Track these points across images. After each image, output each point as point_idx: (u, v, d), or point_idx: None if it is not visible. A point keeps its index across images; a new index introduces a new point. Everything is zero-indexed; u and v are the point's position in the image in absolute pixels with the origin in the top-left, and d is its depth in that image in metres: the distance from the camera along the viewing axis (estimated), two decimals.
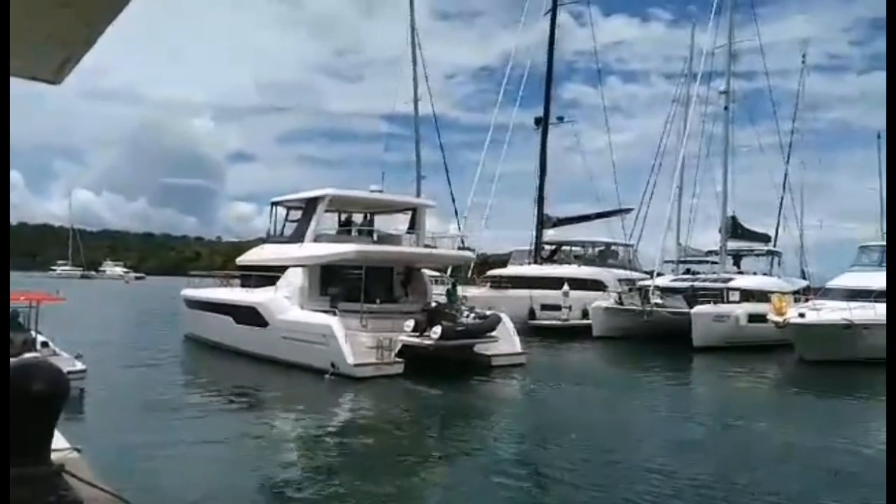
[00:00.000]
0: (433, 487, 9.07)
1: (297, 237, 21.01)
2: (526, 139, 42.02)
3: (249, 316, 19.72)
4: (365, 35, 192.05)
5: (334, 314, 17.68)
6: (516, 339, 20.22)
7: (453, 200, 47.03)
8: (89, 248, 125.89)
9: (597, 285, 33.02)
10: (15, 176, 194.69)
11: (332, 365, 16.39)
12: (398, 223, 23.99)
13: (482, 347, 18.96)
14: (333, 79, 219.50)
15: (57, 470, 1.89)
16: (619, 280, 32.84)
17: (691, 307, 26.41)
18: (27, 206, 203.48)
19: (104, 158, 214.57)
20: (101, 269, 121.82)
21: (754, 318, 25.67)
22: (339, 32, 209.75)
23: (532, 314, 32.29)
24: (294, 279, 19.52)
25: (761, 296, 27.47)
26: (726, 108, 33.52)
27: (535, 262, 38.32)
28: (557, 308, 31.77)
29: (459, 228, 43.02)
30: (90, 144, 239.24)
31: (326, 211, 22.10)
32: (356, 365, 16.23)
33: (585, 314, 30.61)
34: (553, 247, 40.50)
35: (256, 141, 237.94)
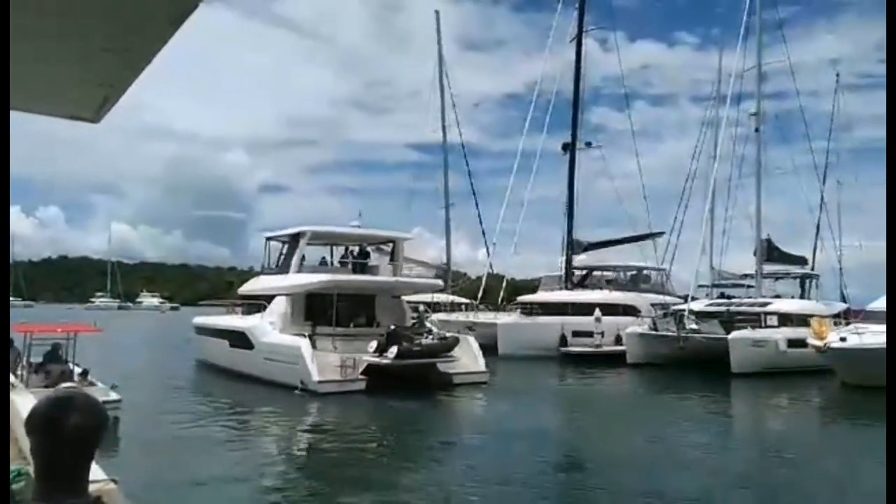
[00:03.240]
0: (363, 484, 9.81)
1: (284, 269, 23.62)
2: (554, 165, 42.11)
3: (240, 340, 21.91)
4: (393, 67, 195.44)
5: (310, 337, 19.40)
6: (481, 359, 21.85)
7: (482, 227, 47.26)
8: (127, 279, 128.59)
9: (630, 311, 32.58)
10: (55, 211, 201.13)
11: (301, 382, 18.20)
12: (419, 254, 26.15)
13: (447, 366, 20.58)
14: (362, 111, 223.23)
15: (93, 502, 1.90)
16: (653, 305, 32.32)
17: (728, 332, 25.81)
18: (67, 241, 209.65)
19: (141, 193, 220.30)
20: (139, 300, 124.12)
21: (794, 342, 24.98)
22: (367, 66, 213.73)
23: (563, 341, 31.91)
24: (278, 306, 21.67)
25: (800, 320, 26.77)
26: (757, 129, 33.13)
27: (566, 288, 38.01)
28: (589, 334, 31.33)
29: (488, 255, 43.22)
30: (127, 180, 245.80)
31: (319, 245, 25.25)
32: (320, 382, 18.03)
33: (619, 340, 30.13)
34: (584, 272, 40.16)
35: (286, 173, 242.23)
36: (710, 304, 31.07)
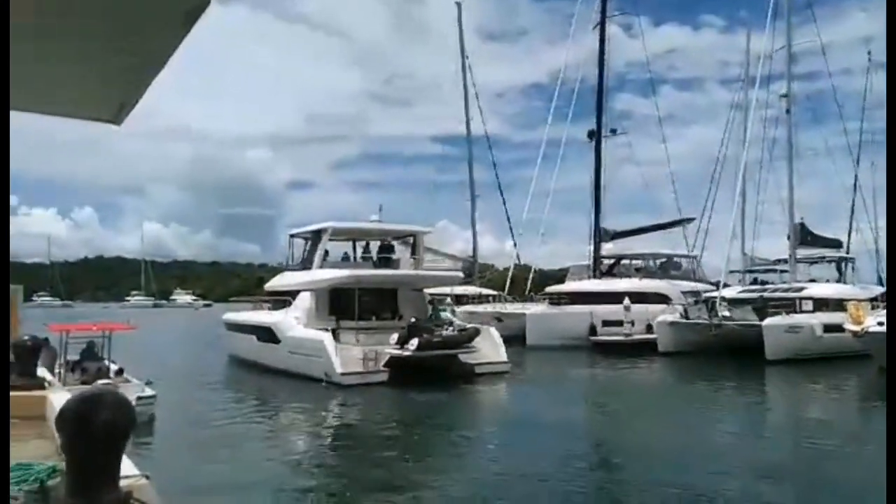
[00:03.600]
0: (387, 476, 10.03)
1: (307, 264, 24.13)
2: (579, 153, 41.73)
3: (267, 334, 22.61)
4: (413, 60, 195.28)
5: (334, 331, 20.08)
6: (502, 349, 22.06)
7: (508, 218, 47.14)
8: (160, 278, 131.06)
9: (660, 299, 32.18)
10: (89, 212, 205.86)
11: (326, 374, 18.74)
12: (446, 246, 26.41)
13: (468, 357, 20.85)
14: (384, 105, 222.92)
15: (125, 497, 1.94)
16: (684, 292, 31.91)
17: (761, 319, 25.37)
18: (102, 241, 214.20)
19: (169, 193, 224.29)
20: (172, 297, 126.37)
21: (830, 328, 24.45)
22: (387, 59, 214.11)
23: (593, 330, 31.69)
24: (302, 302, 22.21)
25: (836, 304, 26.19)
26: (788, 111, 32.40)
27: (594, 277, 37.72)
28: (619, 323, 31.04)
29: (515, 245, 43.09)
30: (155, 180, 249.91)
31: (342, 240, 25.87)
32: (343, 374, 18.52)
33: (649, 329, 29.81)
34: (612, 260, 39.81)
35: (311, 169, 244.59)
36: (743, 291, 30.57)
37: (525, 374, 22.52)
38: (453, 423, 14.64)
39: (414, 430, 13.80)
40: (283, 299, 23.70)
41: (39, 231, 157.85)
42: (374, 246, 25.74)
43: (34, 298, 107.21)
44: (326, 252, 24.42)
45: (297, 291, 22.85)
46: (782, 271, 33.27)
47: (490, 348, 21.78)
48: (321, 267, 23.42)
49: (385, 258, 24.48)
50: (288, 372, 20.46)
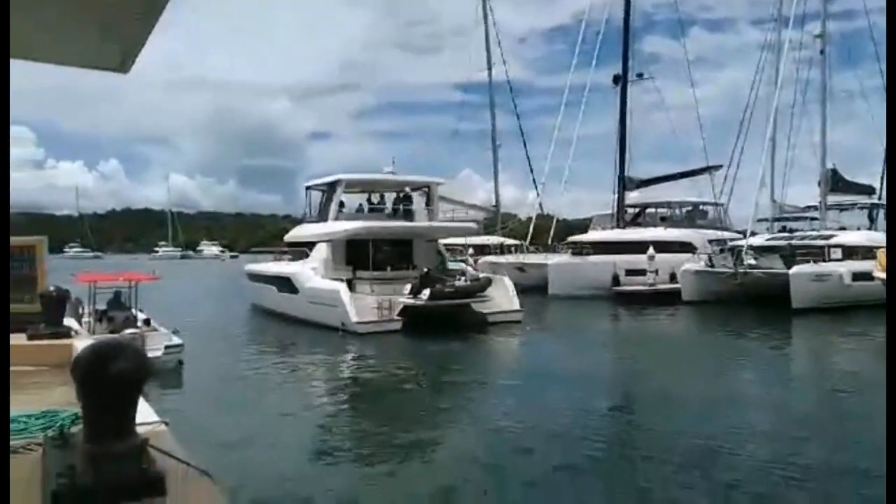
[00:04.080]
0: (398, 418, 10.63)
1: (323, 216, 24.73)
2: (604, 99, 40.88)
3: (286, 285, 23.34)
4: (435, 4, 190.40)
5: (349, 281, 20.94)
6: (515, 299, 22.25)
7: (530, 167, 46.66)
8: (187, 229, 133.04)
9: (685, 248, 31.88)
10: (115, 164, 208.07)
11: (342, 323, 19.43)
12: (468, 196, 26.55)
13: (481, 306, 21.16)
14: (405, 52, 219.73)
15: (141, 444, 1.97)
16: (710, 241, 31.49)
17: (789, 267, 25.01)
18: (128, 193, 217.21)
19: (194, 144, 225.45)
20: (199, 249, 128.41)
21: (859, 276, 24.05)
22: (408, 5, 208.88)
23: (616, 280, 31.58)
24: (319, 253, 22.84)
25: (866, 252, 25.67)
26: (822, 51, 31.19)
27: (618, 226, 37.36)
28: (643, 273, 30.87)
29: (537, 195, 42.72)
30: (180, 131, 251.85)
31: (357, 192, 26.34)
32: (358, 323, 19.16)
33: (674, 278, 29.64)
34: (636, 209, 39.33)
35: (332, 119, 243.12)
36: (771, 239, 30.07)
37: (539, 323, 22.81)
38: (464, 371, 14.92)
39: (425, 378, 14.25)
40: (301, 250, 24.35)
41: (67, 184, 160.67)
42: (390, 197, 26.05)
43: (66, 250, 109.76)
44: (342, 203, 24.87)
45: (315, 243, 23.48)
46: (812, 219, 32.60)
47: (503, 297, 22.08)
48: (337, 219, 23.98)
49: (405, 209, 24.72)
50: (306, 321, 21.18)
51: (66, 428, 2.29)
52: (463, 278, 22.07)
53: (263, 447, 8.58)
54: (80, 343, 4.85)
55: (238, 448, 8.19)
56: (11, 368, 4.80)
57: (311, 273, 22.15)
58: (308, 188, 27.26)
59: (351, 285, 20.89)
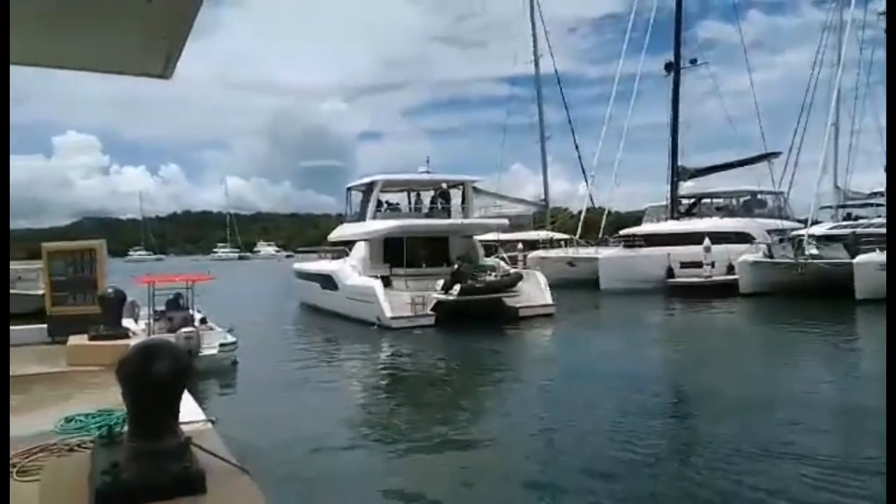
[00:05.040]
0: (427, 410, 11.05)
1: (361, 216, 25.58)
2: (657, 88, 39.99)
3: (328, 282, 24.31)
4: None
5: (386, 278, 21.68)
6: (547, 293, 22.64)
7: (580, 159, 46.02)
8: (244, 230, 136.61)
9: (743, 238, 30.88)
10: (175, 169, 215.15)
11: (377, 318, 20.21)
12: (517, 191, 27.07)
13: (513, 301, 21.63)
14: (454, 47, 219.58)
15: (184, 442, 2.02)
16: (769, 231, 30.45)
17: (853, 256, 23.98)
18: (188, 196, 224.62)
19: (248, 146, 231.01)
20: (256, 249, 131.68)
21: None
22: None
23: (670, 273, 30.88)
24: (358, 251, 23.75)
25: None
26: (887, 30, 29.65)
27: (672, 218, 36.50)
28: (698, 265, 30.10)
29: (587, 188, 42.11)
30: (235, 134, 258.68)
31: (395, 191, 27.01)
32: (392, 318, 19.88)
33: (731, 270, 28.79)
34: (691, 200, 38.33)
35: (382, 118, 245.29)
36: (834, 227, 28.84)
37: (575, 317, 22.89)
38: (492, 364, 15.20)
39: (455, 370, 14.77)
40: (342, 249, 25.39)
41: (131, 189, 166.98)
42: (427, 196, 26.62)
43: (130, 253, 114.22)
44: (380, 203, 25.57)
45: (354, 241, 24.41)
46: (878, 205, 31.10)
47: (535, 292, 22.47)
48: (374, 218, 24.69)
49: (442, 207, 25.42)
50: (347, 316, 22.08)
51: (117, 426, 2.38)
52: (494, 274, 22.54)
53: (306, 442, 8.76)
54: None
55: (282, 445, 8.38)
56: (74, 368, 4.99)
57: (350, 270, 22.95)
58: (349, 189, 28.21)
59: (388, 282, 21.62)
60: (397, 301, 20.51)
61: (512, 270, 23.58)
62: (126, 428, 2.16)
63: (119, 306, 5.36)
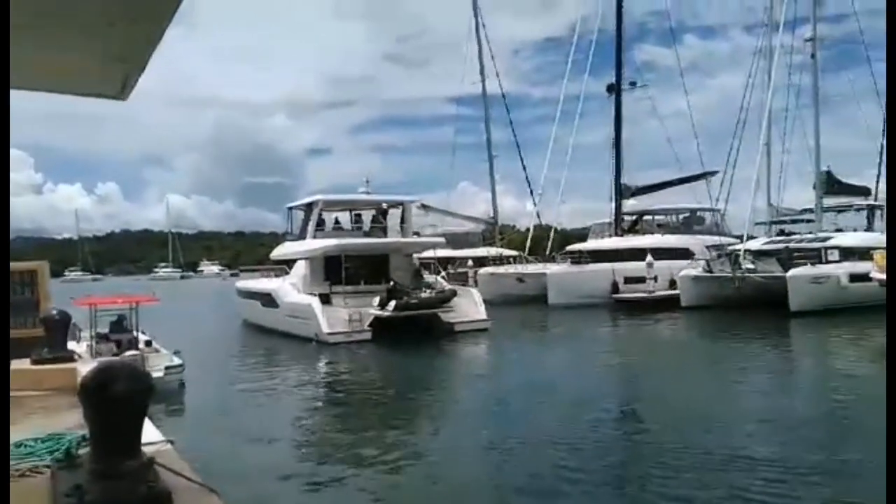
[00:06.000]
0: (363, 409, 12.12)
1: (301, 235, 26.09)
2: (599, 108, 41.14)
3: (268, 300, 24.76)
4: (426, 17, 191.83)
5: (326, 296, 22.20)
6: (482, 308, 23.46)
7: (527, 177, 46.77)
8: (187, 249, 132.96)
9: (683, 254, 31.93)
10: (112, 187, 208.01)
11: (315, 334, 20.72)
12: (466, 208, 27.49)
13: (448, 316, 22.35)
14: (399, 66, 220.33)
15: (147, 462, 2.02)
16: (708, 247, 31.60)
17: (786, 270, 25.08)
18: (127, 214, 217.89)
19: (190, 164, 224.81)
20: (200, 269, 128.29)
21: (856, 277, 24.08)
22: (400, 18, 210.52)
23: (615, 288, 31.62)
24: (298, 269, 24.13)
25: (863, 254, 25.75)
26: (813, 55, 31.42)
27: (616, 234, 37.46)
28: (642, 280, 30.94)
29: (535, 205, 42.83)
30: (175, 151, 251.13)
31: (337, 210, 27.60)
32: (330, 333, 20.44)
33: (673, 285, 29.68)
34: (634, 217, 39.44)
35: (330, 135, 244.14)
36: (768, 243, 30.14)
37: (511, 331, 23.72)
38: (427, 377, 15.87)
39: (388, 384, 15.24)
40: (283, 267, 25.87)
41: (66, 207, 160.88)
42: (369, 215, 27.17)
43: (66, 274, 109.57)
44: (322, 222, 26.27)
45: (294, 260, 24.88)
46: (808, 221, 32.68)
47: (470, 307, 23.28)
48: (315, 237, 25.20)
49: (379, 227, 26.35)
50: (287, 333, 22.41)
51: (73, 450, 2.35)
52: (429, 290, 23.18)
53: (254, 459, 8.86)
54: (84, 367, 4.89)
55: (233, 462, 8.30)
56: (17, 393, 4.84)
57: (290, 288, 23.37)
58: (290, 208, 28.73)
59: (327, 299, 22.13)
60: (335, 317, 21.04)
61: (447, 287, 24.26)
62: (84, 450, 2.14)
63: (64, 329, 5.21)
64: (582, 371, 15.78)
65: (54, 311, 5.20)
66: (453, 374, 17.10)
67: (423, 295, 22.56)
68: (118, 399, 1.95)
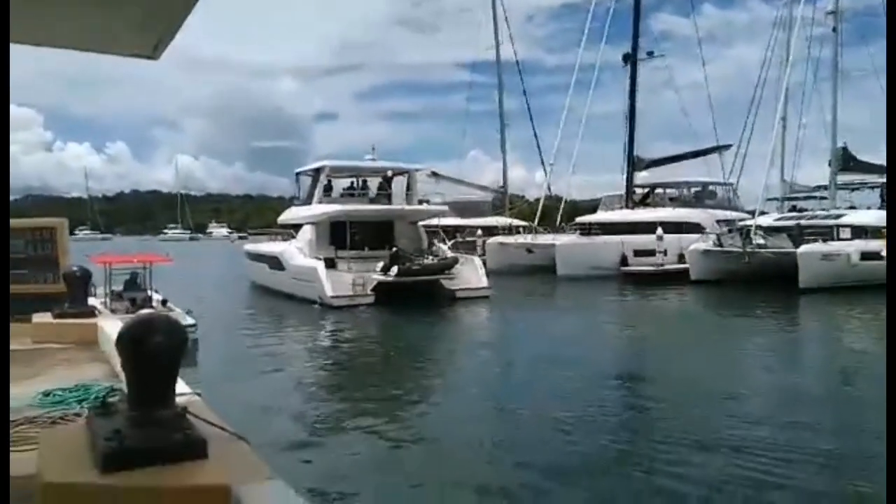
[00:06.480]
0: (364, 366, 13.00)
1: (308, 200, 26.64)
2: (614, 78, 40.64)
3: (275, 263, 25.33)
4: None
5: (331, 260, 22.55)
6: (483, 277, 23.87)
7: (538, 147, 46.54)
8: (195, 211, 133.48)
9: (694, 228, 31.82)
10: (122, 147, 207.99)
11: (319, 297, 21.28)
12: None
13: (450, 283, 22.82)
14: (411, 30, 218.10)
15: (181, 412, 2.10)
16: (718, 221, 31.51)
17: (797, 246, 24.98)
18: (136, 174, 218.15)
19: (200, 126, 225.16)
20: (208, 230, 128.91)
21: (867, 255, 23.98)
22: None
23: (624, 260, 31.61)
24: (304, 234, 24.68)
25: (875, 232, 25.59)
26: (835, 29, 30.82)
27: (627, 207, 37.30)
28: (651, 253, 30.89)
29: (546, 176, 42.64)
30: (186, 113, 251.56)
31: (343, 177, 28.03)
32: (333, 297, 20.92)
33: (682, 258, 29.64)
34: (645, 190, 39.24)
35: (338, 100, 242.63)
36: (780, 219, 29.99)
37: (509, 299, 24.17)
38: (423, 341, 16.39)
39: (388, 346, 15.93)
40: (291, 231, 26.39)
41: (76, 166, 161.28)
42: (375, 182, 27.59)
43: (76, 232, 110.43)
44: (330, 188, 26.77)
45: (301, 224, 25.34)
46: (822, 198, 32.44)
47: (472, 275, 23.68)
48: (321, 202, 25.72)
49: (382, 194, 26.83)
50: (292, 296, 23.05)
51: (107, 398, 2.43)
52: (432, 257, 23.76)
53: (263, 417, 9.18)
54: (104, 322, 4.99)
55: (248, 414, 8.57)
56: (40, 345, 4.96)
57: (296, 252, 23.87)
58: (297, 174, 29.18)
59: (332, 263, 22.54)
60: (339, 281, 21.45)
61: (450, 254, 24.74)
62: (113, 399, 2.22)
63: (85, 285, 5.31)
64: (582, 341, 15.87)
65: (75, 268, 5.30)
66: (450, 339, 17.63)
67: (426, 261, 23.14)
68: (156, 351, 2.02)
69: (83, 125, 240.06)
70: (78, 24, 2.29)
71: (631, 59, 38.36)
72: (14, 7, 2.09)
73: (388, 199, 26.67)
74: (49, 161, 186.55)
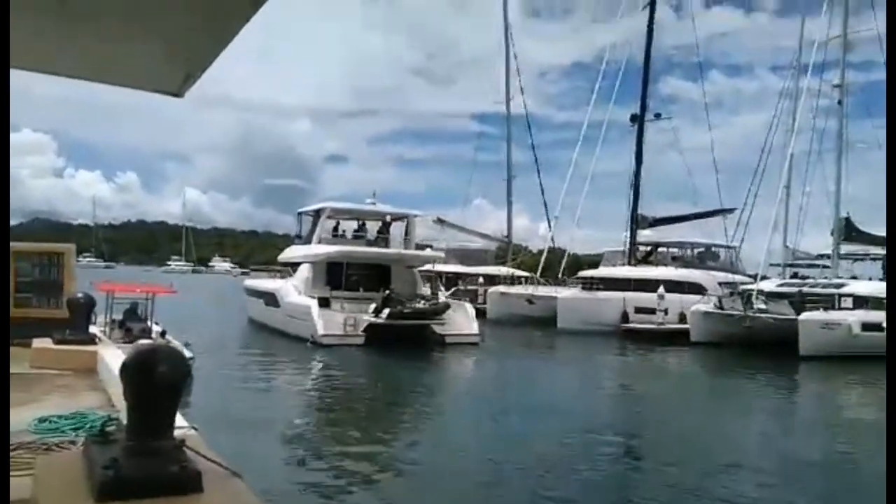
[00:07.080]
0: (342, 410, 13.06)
1: (307, 240, 27.13)
2: (621, 137, 41.09)
3: (271, 299, 25.80)
4: (457, 35, 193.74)
5: (326, 299, 23.02)
6: (474, 323, 24.29)
7: (544, 200, 46.78)
8: (199, 244, 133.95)
9: (695, 288, 31.77)
10: (132, 176, 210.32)
11: (311, 335, 21.46)
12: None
13: (441, 328, 23.25)
14: (426, 80, 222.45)
15: (179, 444, 2.11)
16: (720, 283, 31.42)
17: (799, 313, 24.89)
18: (144, 205, 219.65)
19: (211, 160, 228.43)
20: (211, 264, 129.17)
21: (868, 326, 23.86)
22: (431, 34, 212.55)
23: (625, 317, 31.49)
24: (302, 272, 25.07)
25: (877, 303, 25.53)
26: (840, 101, 31.34)
27: (629, 264, 37.36)
28: (652, 311, 30.76)
29: (550, 228, 42.86)
30: (199, 148, 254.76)
31: (344, 219, 28.42)
32: (324, 335, 21.19)
33: (683, 318, 29.49)
34: (648, 248, 39.34)
35: (350, 143, 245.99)
36: (782, 285, 29.94)
37: (501, 348, 24.62)
38: (412, 383, 16.58)
39: (375, 387, 16.27)
40: (288, 269, 26.98)
41: (85, 193, 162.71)
42: (375, 226, 28.18)
43: (80, 259, 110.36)
44: (336, 228, 27.69)
45: (300, 263, 25.81)
46: (824, 267, 32.45)
47: (463, 321, 24.03)
48: (320, 242, 26.20)
49: (382, 237, 27.44)
50: (286, 333, 23.36)
51: (105, 427, 2.44)
52: (424, 301, 23.97)
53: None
54: (105, 351, 5.00)
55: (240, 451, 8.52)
56: (38, 371, 4.96)
57: (292, 289, 24.34)
58: (300, 213, 29.87)
59: (326, 302, 22.98)
60: (331, 320, 21.79)
61: (442, 300, 25.14)
62: (112, 429, 2.23)
63: (88, 312, 5.35)
64: (575, 394, 15.98)
65: (80, 295, 5.33)
66: (437, 384, 17.77)
67: (417, 306, 23.34)
68: (159, 381, 2.05)
69: (96, 153, 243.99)
70: (106, 59, 2.36)
71: (639, 119, 38.97)
72: (37, 37, 2.16)
73: (386, 242, 27.21)
74: (59, 187, 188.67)
